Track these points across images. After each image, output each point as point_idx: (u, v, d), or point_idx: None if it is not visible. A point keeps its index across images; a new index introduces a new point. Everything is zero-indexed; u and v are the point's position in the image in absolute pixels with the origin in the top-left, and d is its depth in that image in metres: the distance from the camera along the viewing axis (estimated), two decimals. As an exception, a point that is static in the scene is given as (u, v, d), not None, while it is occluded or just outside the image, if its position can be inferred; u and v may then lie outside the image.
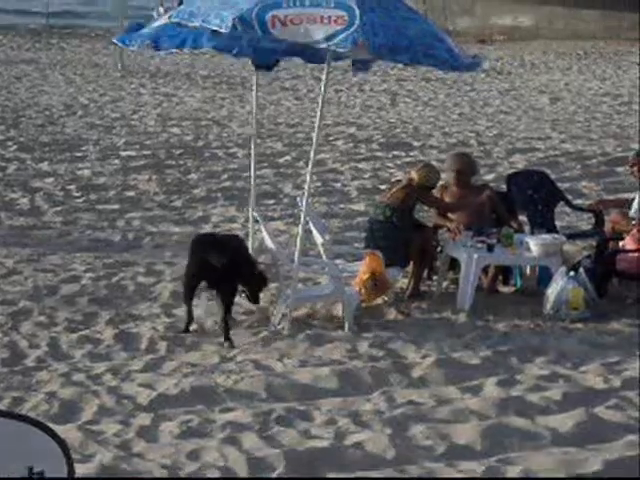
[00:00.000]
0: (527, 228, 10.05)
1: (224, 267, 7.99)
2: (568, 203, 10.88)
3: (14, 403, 6.75)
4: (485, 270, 9.40)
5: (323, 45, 7.69)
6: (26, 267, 9.87)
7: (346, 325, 8.35)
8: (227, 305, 8.09)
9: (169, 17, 8.34)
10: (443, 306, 9.01)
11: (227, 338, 8.01)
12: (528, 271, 9.65)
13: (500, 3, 35.35)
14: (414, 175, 9.25)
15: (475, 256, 8.97)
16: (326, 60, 7.97)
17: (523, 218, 10.22)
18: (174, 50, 9.05)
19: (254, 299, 8.49)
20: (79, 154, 15.34)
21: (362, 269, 8.62)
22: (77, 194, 12.95)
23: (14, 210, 12.10)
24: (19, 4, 44.25)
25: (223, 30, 7.73)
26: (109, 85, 22.92)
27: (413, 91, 23.68)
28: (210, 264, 8.01)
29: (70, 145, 15.93)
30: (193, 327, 8.29)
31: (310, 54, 8.71)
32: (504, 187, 10.59)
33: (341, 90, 23.06)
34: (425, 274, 9.50)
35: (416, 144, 16.91)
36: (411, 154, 15.97)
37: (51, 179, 13.64)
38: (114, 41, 9.43)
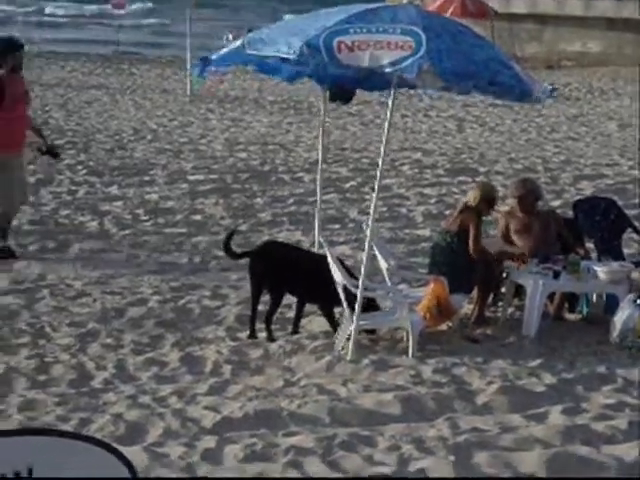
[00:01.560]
0: (594, 255, 9.97)
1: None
2: (636, 230, 10.77)
3: (81, 424, 6.83)
4: (551, 297, 9.33)
5: (389, 70, 7.72)
6: (94, 289, 10.00)
7: (410, 351, 8.34)
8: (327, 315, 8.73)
9: (241, 45, 8.42)
10: (508, 333, 8.96)
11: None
12: (595, 298, 9.57)
13: (568, 29, 35.18)
14: (469, 198, 9.24)
15: (541, 283, 8.92)
16: (392, 86, 8.01)
17: (590, 245, 10.14)
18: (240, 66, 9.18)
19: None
20: (147, 178, 15.52)
21: (427, 295, 8.60)
22: (145, 218, 13.10)
23: (83, 233, 12.27)
24: (91, 34, 45.00)
25: (291, 57, 7.82)
26: (178, 110, 23.17)
27: (480, 117, 23.62)
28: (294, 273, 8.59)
29: (139, 169, 16.12)
30: (257, 353, 8.34)
31: (376, 81, 8.75)
32: (571, 213, 10.52)
33: (407, 115, 23.08)
34: (490, 300, 9.46)
35: (482, 170, 16.87)
36: (477, 180, 15.92)
37: (120, 203, 13.82)
38: (192, 74, 9.64)
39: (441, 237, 9.25)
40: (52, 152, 11.58)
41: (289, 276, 8.77)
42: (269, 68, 8.83)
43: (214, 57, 8.56)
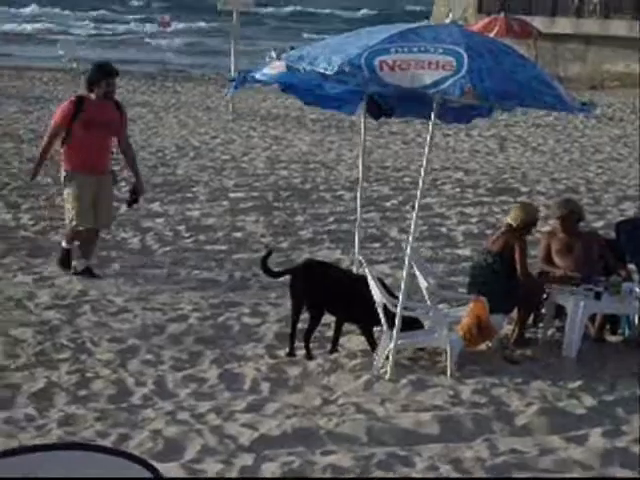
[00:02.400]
0: (636, 277, 9.89)
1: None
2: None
3: (120, 440, 6.87)
4: (592, 318, 9.27)
5: (430, 90, 7.73)
6: (135, 305, 10.06)
7: (449, 371, 8.31)
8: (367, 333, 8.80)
9: (280, 58, 8.49)
10: (548, 354, 8.91)
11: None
12: (636, 320, 9.49)
13: (612, 50, 35.00)
14: (510, 220, 9.21)
15: (582, 304, 8.87)
16: (433, 106, 8.01)
17: (632, 267, 10.06)
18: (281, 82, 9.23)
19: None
20: (189, 195, 15.60)
21: (466, 315, 8.58)
22: (186, 234, 13.16)
23: (125, 249, 12.35)
24: (137, 52, 45.39)
25: (329, 72, 7.85)
26: (221, 128, 23.29)
27: (522, 136, 23.54)
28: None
29: (181, 186, 16.21)
30: (296, 371, 8.35)
31: (417, 105, 8.76)
32: (613, 235, 10.46)
33: (449, 135, 23.05)
34: (530, 321, 9.41)
35: (524, 190, 16.80)
36: (519, 200, 15.85)
37: (161, 219, 13.90)
38: (228, 93, 9.72)
39: (482, 257, 9.22)
40: (134, 193, 11.21)
41: (328, 295, 8.79)
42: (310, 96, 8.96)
43: (252, 74, 8.66)
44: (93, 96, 10.74)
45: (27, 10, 64.95)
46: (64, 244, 11.14)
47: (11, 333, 9.05)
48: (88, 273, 10.91)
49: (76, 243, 11.05)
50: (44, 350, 8.69)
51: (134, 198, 11.29)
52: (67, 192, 10.86)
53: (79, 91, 27.30)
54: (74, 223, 10.84)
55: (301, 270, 9.02)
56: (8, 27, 55.19)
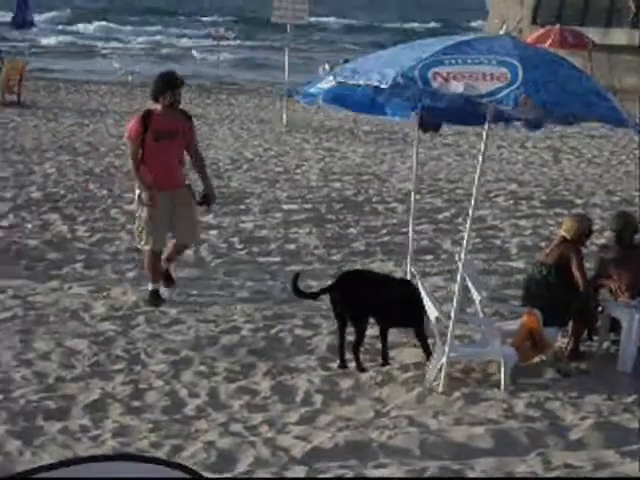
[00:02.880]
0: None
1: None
2: None
3: (173, 451, 6.90)
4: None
5: (484, 101, 7.72)
6: (189, 317, 10.11)
7: (502, 384, 8.26)
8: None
9: (334, 75, 8.53)
10: (603, 367, 8.83)
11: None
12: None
13: (668, 60, 34.66)
14: (563, 232, 9.15)
15: (637, 317, 8.78)
16: (487, 116, 7.99)
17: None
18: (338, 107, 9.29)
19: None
20: (243, 207, 15.67)
21: (520, 328, 8.53)
22: (239, 246, 13.21)
23: (179, 261, 12.39)
24: (193, 65, 45.69)
25: (383, 86, 7.87)
26: (274, 140, 23.38)
27: (576, 148, 23.37)
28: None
29: (235, 198, 16.28)
30: (348, 383, 8.34)
31: (471, 114, 8.73)
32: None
33: (503, 146, 22.95)
34: (585, 334, 9.33)
35: (579, 202, 16.68)
36: (573, 212, 15.73)
37: (215, 231, 13.96)
38: (296, 99, 9.74)
39: (536, 270, 9.17)
40: (204, 201, 10.85)
41: (370, 303, 8.77)
42: (359, 104, 8.97)
43: (307, 89, 8.73)
44: (159, 107, 10.48)
45: (85, 25, 65.80)
46: (150, 286, 10.53)
47: (67, 344, 9.14)
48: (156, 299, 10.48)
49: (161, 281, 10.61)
50: (99, 361, 8.77)
51: (205, 205, 11.01)
52: (140, 213, 10.38)
53: (135, 105, 27.53)
54: (148, 246, 10.42)
55: (337, 285, 8.98)
56: (65, 41, 55.89)
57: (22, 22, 36.32)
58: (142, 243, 10.55)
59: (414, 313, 8.61)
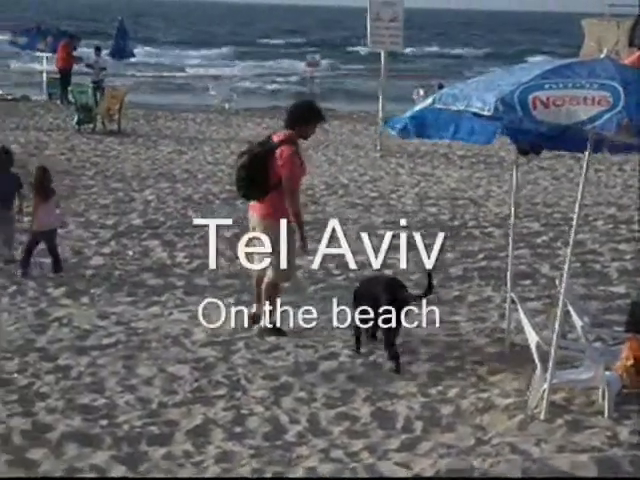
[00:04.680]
0: None
1: None
2: None
3: (275, 477, 6.93)
4: None
5: (586, 127, 7.63)
6: (288, 343, 10.16)
7: (606, 411, 8.14)
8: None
9: (432, 101, 8.52)
10: None
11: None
12: None
13: None
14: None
15: None
16: (588, 142, 7.90)
17: None
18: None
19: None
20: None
21: (624, 354, 8.40)
22: (336, 272, 13.25)
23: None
24: (287, 91, 46.05)
25: (485, 112, 7.84)
26: (369, 165, 23.42)
27: (677, 170, 22.97)
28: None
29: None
30: (448, 410, 8.30)
31: (570, 139, 8.64)
32: None
33: (601, 170, 22.67)
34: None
35: (680, 225, 16.39)
36: (675, 235, 15.47)
37: (311, 257, 14.00)
38: (388, 128, 9.69)
39: (641, 295, 9.03)
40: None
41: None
42: (458, 133, 8.92)
43: (408, 116, 8.77)
44: (288, 136, 10.06)
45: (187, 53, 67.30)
46: (273, 321, 10.24)
47: (169, 370, 9.26)
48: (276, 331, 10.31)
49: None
50: (200, 387, 8.86)
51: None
52: (277, 247, 9.77)
53: (231, 132, 27.77)
54: (287, 283, 10.20)
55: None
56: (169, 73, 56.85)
57: (122, 52, 36.99)
58: (281, 279, 10.42)
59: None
